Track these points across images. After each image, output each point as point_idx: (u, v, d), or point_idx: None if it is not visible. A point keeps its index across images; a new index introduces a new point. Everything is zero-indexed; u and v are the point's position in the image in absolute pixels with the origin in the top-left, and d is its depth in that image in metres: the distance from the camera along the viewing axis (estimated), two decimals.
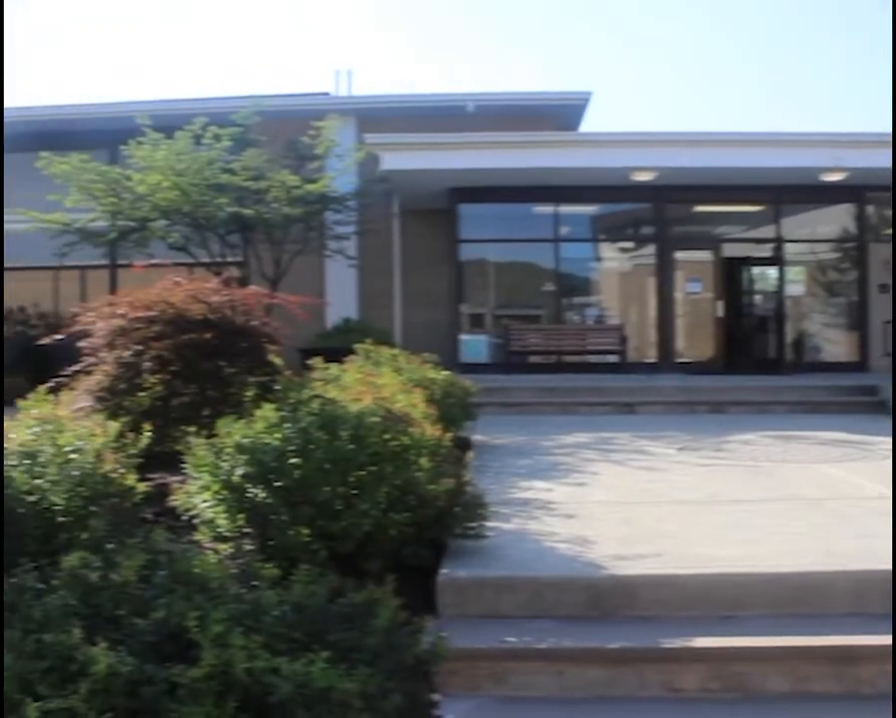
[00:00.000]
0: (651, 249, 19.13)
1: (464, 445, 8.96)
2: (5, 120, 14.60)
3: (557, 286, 19.43)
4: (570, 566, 5.14)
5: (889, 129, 17.25)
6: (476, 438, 10.33)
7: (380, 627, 3.28)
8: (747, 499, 7.31)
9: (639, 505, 7.02)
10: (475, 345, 18.99)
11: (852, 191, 18.31)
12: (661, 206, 18.73)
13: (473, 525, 5.33)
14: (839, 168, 16.83)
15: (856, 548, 5.48)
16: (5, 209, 15.36)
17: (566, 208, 19.13)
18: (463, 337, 18.84)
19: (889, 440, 10.50)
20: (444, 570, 4.99)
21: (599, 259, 20.59)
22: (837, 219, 19.25)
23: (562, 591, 4.87)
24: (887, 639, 4.51)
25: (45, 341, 8.91)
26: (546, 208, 18.99)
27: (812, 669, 4.46)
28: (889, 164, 16.13)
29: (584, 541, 5.64)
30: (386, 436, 5.29)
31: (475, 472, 7.99)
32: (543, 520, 6.32)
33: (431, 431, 5.78)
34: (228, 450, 5.15)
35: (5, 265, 21.36)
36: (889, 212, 19.18)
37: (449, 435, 6.22)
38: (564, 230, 19.38)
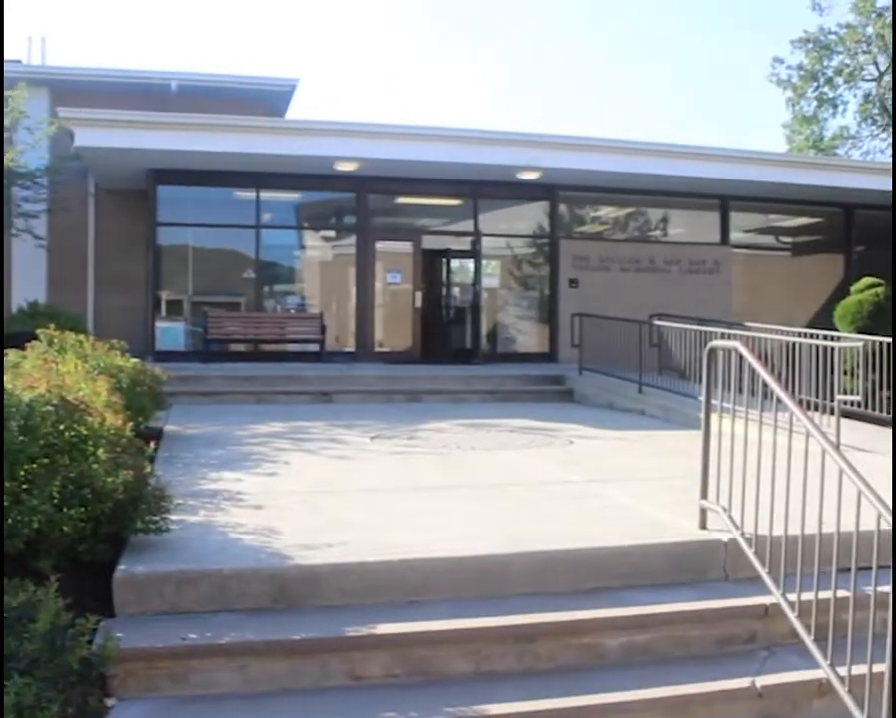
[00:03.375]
0: (352, 240, 19.29)
1: (154, 435, 8.67)
2: None
3: (258, 274, 19.24)
4: (255, 558, 5.04)
5: (583, 133, 18.29)
6: (168, 428, 10.02)
7: (39, 632, 3.07)
8: (436, 485, 7.51)
9: (329, 494, 7.03)
10: (172, 333, 18.45)
11: (546, 190, 19.28)
12: (363, 197, 18.93)
13: (155, 518, 5.12)
14: (534, 166, 17.66)
15: (536, 531, 5.74)
16: None
17: (269, 195, 18.97)
18: (159, 324, 18.30)
19: (571, 426, 11.18)
20: (121, 567, 4.75)
21: (302, 248, 20.60)
22: (532, 216, 20.19)
23: (246, 584, 4.77)
24: (563, 616, 4.76)
25: None
26: (249, 194, 18.72)
27: (493, 649, 4.62)
28: (578, 165, 17.26)
29: (271, 532, 5.56)
30: (61, 426, 4.99)
31: (163, 463, 7.74)
32: (231, 511, 6.18)
33: (112, 420, 5.52)
34: None
35: None
36: (579, 212, 20.50)
37: (131, 424, 5.98)
38: (267, 217, 19.20)
